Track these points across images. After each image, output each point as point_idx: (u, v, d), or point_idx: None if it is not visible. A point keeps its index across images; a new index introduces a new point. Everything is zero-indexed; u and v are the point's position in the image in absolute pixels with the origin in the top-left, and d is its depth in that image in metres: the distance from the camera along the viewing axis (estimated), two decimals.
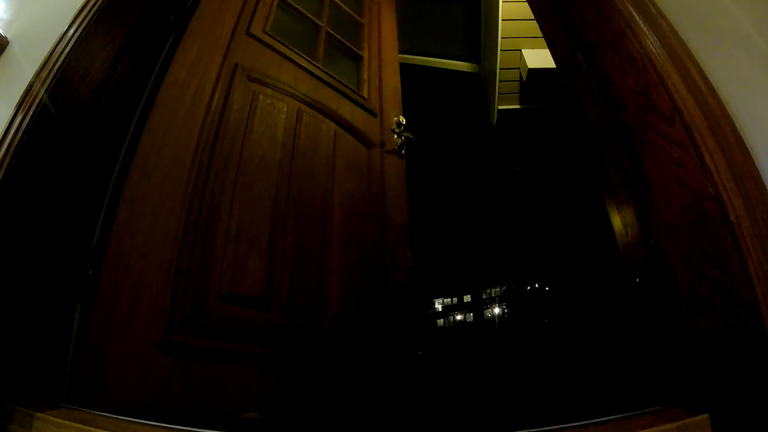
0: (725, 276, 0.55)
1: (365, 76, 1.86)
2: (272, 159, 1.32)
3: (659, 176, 0.66)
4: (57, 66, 0.93)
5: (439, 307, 3.49)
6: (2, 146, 0.84)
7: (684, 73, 0.65)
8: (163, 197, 1.07)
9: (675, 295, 0.62)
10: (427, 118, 2.89)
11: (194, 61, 1.27)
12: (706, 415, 0.55)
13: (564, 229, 2.78)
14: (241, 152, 1.25)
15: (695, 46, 0.68)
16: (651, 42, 0.69)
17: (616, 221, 0.79)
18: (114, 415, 0.71)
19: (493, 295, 3.22)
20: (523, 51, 2.80)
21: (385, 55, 2.01)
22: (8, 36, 1.01)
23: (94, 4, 1.03)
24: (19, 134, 0.85)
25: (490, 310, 3.22)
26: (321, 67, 1.65)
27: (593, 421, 0.61)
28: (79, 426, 0.66)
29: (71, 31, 0.98)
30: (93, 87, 1.02)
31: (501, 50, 2.81)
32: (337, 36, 1.85)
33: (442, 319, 3.46)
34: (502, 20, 2.73)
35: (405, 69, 2.17)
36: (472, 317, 3.30)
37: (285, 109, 1.43)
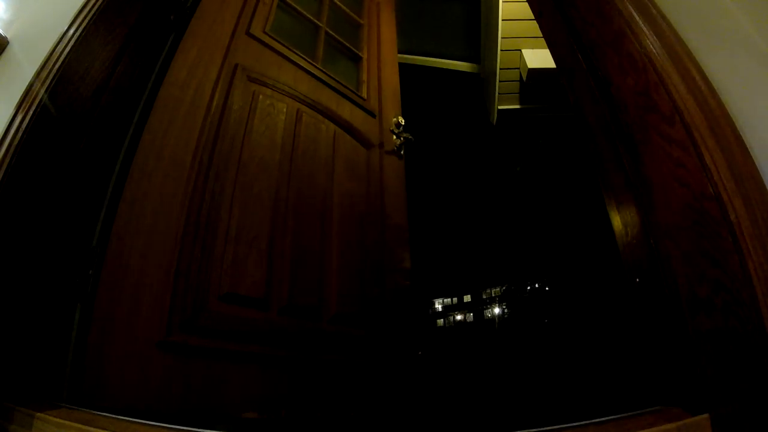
0: (725, 276, 0.55)
1: (364, 76, 1.86)
2: (272, 159, 1.32)
3: (659, 176, 0.66)
4: (57, 66, 0.93)
5: (439, 307, 3.49)
6: (2, 146, 0.84)
7: (684, 73, 0.65)
8: (163, 197, 1.07)
9: (675, 295, 0.62)
10: (427, 119, 2.89)
11: (194, 61, 1.27)
12: (706, 415, 0.55)
13: (564, 229, 2.78)
14: (241, 152, 1.25)
15: (695, 46, 0.68)
16: (651, 42, 0.69)
17: (616, 221, 0.79)
18: (114, 415, 0.71)
19: (493, 295, 3.22)
20: (523, 51, 2.81)
21: (385, 55, 2.01)
22: (8, 36, 1.01)
23: (94, 4, 1.03)
24: (19, 134, 0.85)
25: (490, 310, 3.22)
26: (320, 67, 1.65)
27: (593, 421, 0.61)
28: (79, 426, 0.66)
29: (71, 31, 0.98)
30: (93, 87, 1.02)
31: (501, 50, 2.81)
32: (336, 36, 1.85)
33: (442, 319, 3.46)
34: (502, 20, 2.73)
35: (405, 69, 2.17)
36: (472, 317, 3.30)
37: (285, 110, 1.43)
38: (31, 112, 0.87)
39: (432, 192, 3.18)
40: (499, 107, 3.05)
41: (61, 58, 0.94)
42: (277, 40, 1.53)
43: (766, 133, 0.60)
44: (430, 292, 3.48)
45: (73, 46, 0.96)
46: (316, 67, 1.63)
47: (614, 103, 0.76)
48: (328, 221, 1.40)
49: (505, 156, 3.25)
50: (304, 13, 1.76)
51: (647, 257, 0.69)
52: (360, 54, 1.91)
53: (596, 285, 2.34)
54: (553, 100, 2.94)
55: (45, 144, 0.91)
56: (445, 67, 3.28)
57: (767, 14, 0.66)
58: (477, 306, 3.30)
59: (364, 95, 1.80)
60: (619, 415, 0.61)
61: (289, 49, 1.56)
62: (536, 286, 2.96)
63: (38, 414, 0.69)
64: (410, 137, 1.77)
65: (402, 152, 1.78)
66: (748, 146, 0.60)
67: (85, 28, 0.99)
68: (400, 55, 2.19)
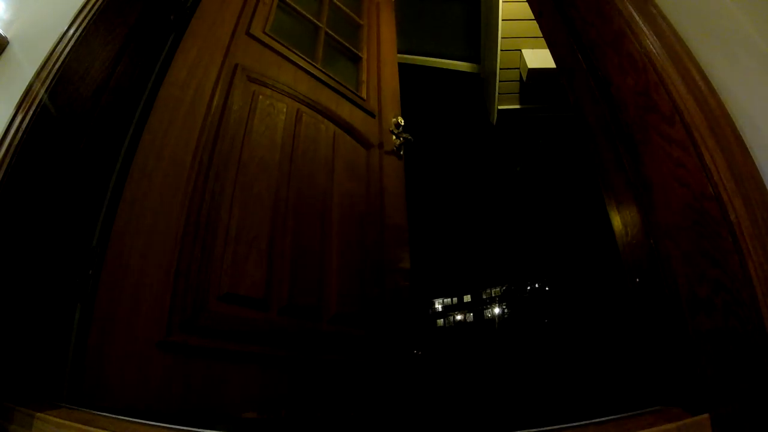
0: (725, 276, 0.55)
1: (364, 77, 1.86)
2: (272, 159, 1.32)
3: (659, 176, 0.66)
4: (57, 66, 0.93)
5: (439, 307, 3.49)
6: (2, 146, 0.84)
7: (684, 73, 0.65)
8: (163, 197, 1.07)
9: (675, 295, 0.62)
10: (427, 118, 2.89)
11: (194, 61, 1.27)
12: (706, 415, 0.55)
13: (564, 230, 2.78)
14: (241, 152, 1.25)
15: (695, 46, 0.68)
16: (651, 42, 0.69)
17: (616, 221, 0.79)
18: (114, 415, 0.71)
19: (493, 295, 3.22)
20: (523, 51, 2.81)
21: (384, 56, 2.01)
22: (8, 36, 1.01)
23: (94, 4, 1.03)
24: (19, 134, 0.85)
25: (490, 310, 3.22)
26: (320, 67, 1.65)
27: (593, 421, 0.61)
28: (79, 426, 0.66)
29: (71, 31, 0.98)
30: (93, 87, 1.02)
31: (501, 50, 2.81)
32: (336, 37, 1.85)
33: (442, 319, 3.46)
34: (502, 20, 2.73)
35: (405, 69, 2.17)
36: (472, 317, 3.30)
37: (284, 110, 1.43)
38: (31, 112, 0.87)
39: (432, 192, 3.18)
40: (499, 107, 3.05)
41: (61, 58, 0.94)
42: (277, 41, 1.53)
43: (766, 133, 0.60)
44: (430, 292, 3.48)
45: (73, 46, 0.96)
46: (315, 67, 1.63)
47: (614, 103, 0.76)
48: (328, 221, 1.40)
49: (505, 156, 3.25)
50: (304, 13, 1.76)
51: (647, 257, 0.69)
52: (359, 54, 1.91)
53: (596, 285, 2.34)
54: (553, 100, 2.94)
55: (45, 144, 0.91)
56: (445, 67, 3.28)
57: (767, 14, 0.66)
58: (477, 306, 3.30)
59: (364, 95, 1.80)
60: (619, 415, 0.61)
61: (289, 50, 1.56)
62: (536, 286, 2.96)
63: (38, 414, 0.69)
64: (410, 137, 1.77)
65: (401, 152, 1.78)
66: (748, 146, 0.60)
67: (85, 28, 0.99)
68: (400, 55, 2.19)
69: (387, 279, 1.50)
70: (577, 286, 2.62)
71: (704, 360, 0.57)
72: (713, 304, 0.56)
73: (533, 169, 3.14)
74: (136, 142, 1.10)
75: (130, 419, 0.70)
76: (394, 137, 1.77)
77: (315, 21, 1.79)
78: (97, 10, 1.03)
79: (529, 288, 3.00)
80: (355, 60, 1.92)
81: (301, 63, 1.58)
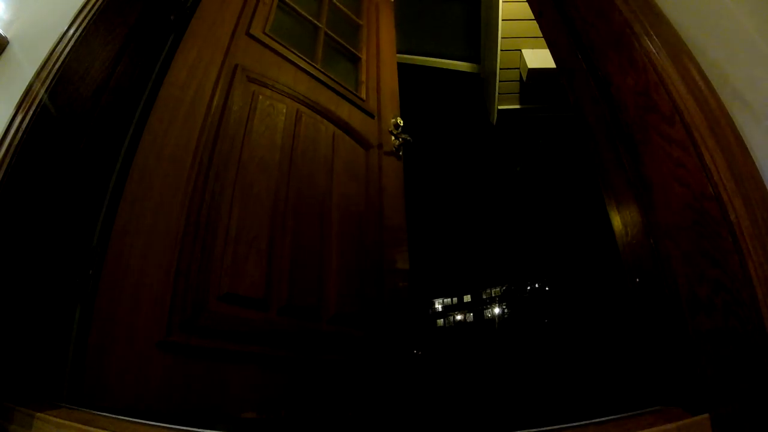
0: (725, 276, 0.55)
1: (363, 77, 1.86)
2: (272, 160, 1.32)
3: (659, 176, 0.66)
4: (57, 66, 0.93)
5: (439, 307, 3.49)
6: (2, 146, 0.84)
7: (684, 73, 0.65)
8: (163, 197, 1.07)
9: (675, 295, 0.62)
10: (427, 118, 2.89)
11: (194, 61, 1.27)
12: (706, 415, 0.55)
13: (564, 229, 2.78)
14: (241, 153, 1.25)
15: (695, 46, 0.68)
16: (651, 42, 0.69)
17: (616, 221, 0.79)
18: (114, 415, 0.71)
19: (493, 295, 3.22)
20: (523, 51, 2.81)
21: (384, 56, 2.01)
22: (8, 36, 1.01)
23: (94, 4, 1.03)
24: (19, 134, 0.85)
25: (490, 310, 3.22)
26: (320, 68, 1.65)
27: (593, 421, 0.61)
28: (79, 426, 0.66)
29: (71, 31, 0.98)
30: (93, 87, 1.02)
31: (501, 50, 2.81)
32: (335, 37, 1.85)
33: (442, 319, 3.46)
34: (502, 20, 2.73)
35: (405, 69, 2.17)
36: (472, 317, 3.30)
37: (284, 110, 1.43)
38: (31, 112, 0.87)
39: (432, 192, 3.18)
40: (499, 107, 3.05)
41: (61, 58, 0.94)
42: (276, 41, 1.53)
43: (766, 134, 0.60)
44: (430, 292, 3.48)
45: (73, 46, 0.96)
46: (315, 67, 1.63)
47: (614, 103, 0.76)
48: (327, 221, 1.40)
49: (505, 156, 3.25)
50: (304, 13, 1.76)
51: (647, 257, 0.69)
52: (359, 55, 1.91)
53: (596, 285, 2.34)
54: (553, 100, 2.94)
55: (45, 144, 0.91)
56: (445, 67, 3.28)
57: (767, 14, 0.66)
58: (477, 306, 3.30)
59: (363, 96, 1.80)
60: (619, 415, 0.61)
61: (289, 50, 1.56)
62: (536, 286, 2.96)
63: (38, 414, 0.69)
64: (409, 138, 1.77)
65: (400, 153, 1.78)
66: (748, 146, 0.60)
67: (85, 28, 0.99)
68: (399, 55, 2.19)
69: (386, 279, 1.50)
70: (577, 286, 2.62)
71: (704, 360, 0.57)
72: (713, 304, 0.56)
73: (533, 169, 3.14)
74: (136, 142, 1.10)
75: (130, 419, 0.70)
76: (393, 138, 1.77)
77: (315, 21, 1.79)
78: (97, 10, 1.03)
79: (529, 288, 3.00)
80: (355, 60, 1.92)
81: (301, 63, 1.58)
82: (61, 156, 0.95)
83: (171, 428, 0.69)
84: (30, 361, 0.83)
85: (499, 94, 3.00)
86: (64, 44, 0.96)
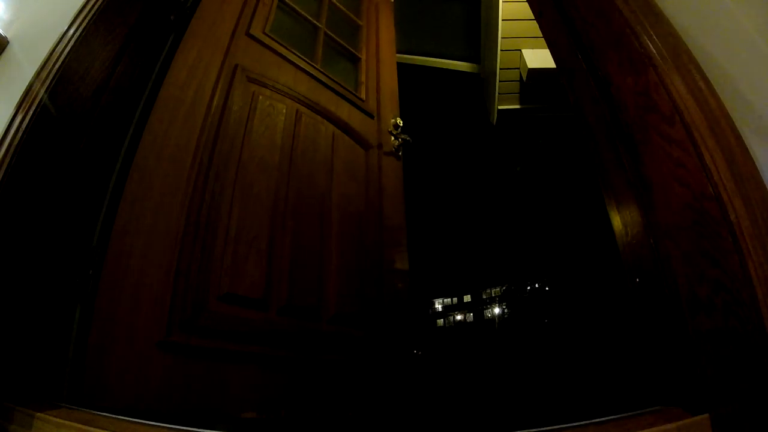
0: (725, 276, 0.55)
1: (363, 77, 1.86)
2: (271, 160, 1.32)
3: (659, 176, 0.66)
4: (57, 66, 0.93)
5: (439, 307, 3.49)
6: (2, 146, 0.84)
7: (684, 73, 0.65)
8: (163, 197, 1.07)
9: (675, 295, 0.62)
10: (427, 118, 2.89)
11: (194, 61, 1.27)
12: (706, 415, 0.55)
13: (564, 229, 2.78)
14: (241, 153, 1.25)
15: (695, 46, 0.68)
16: (651, 42, 0.69)
17: (616, 221, 0.79)
18: (114, 415, 0.71)
19: (493, 295, 3.22)
20: (523, 51, 2.81)
21: (383, 56, 2.01)
22: (8, 36, 1.01)
23: (94, 4, 1.03)
24: (19, 134, 0.85)
25: (490, 310, 3.22)
26: (320, 68, 1.65)
27: (593, 421, 0.61)
28: (79, 426, 0.66)
29: (71, 31, 0.98)
30: (93, 87, 1.02)
31: (501, 50, 2.81)
32: (335, 37, 1.85)
33: (442, 319, 3.46)
34: (502, 20, 2.73)
35: (405, 69, 2.17)
36: (472, 317, 3.30)
37: (284, 110, 1.43)
38: (31, 112, 0.87)
39: (432, 192, 3.18)
40: (499, 107, 3.05)
41: (61, 58, 0.94)
42: (276, 41, 1.53)
43: (766, 134, 0.60)
44: (430, 292, 3.48)
45: (73, 46, 0.96)
46: (315, 68, 1.63)
47: (614, 103, 0.76)
48: (327, 221, 1.40)
49: (505, 156, 3.25)
50: (304, 14, 1.76)
51: (647, 257, 0.69)
52: (359, 55, 1.91)
53: (596, 285, 2.34)
54: (553, 100, 2.94)
55: (45, 144, 0.91)
56: (445, 67, 3.28)
57: (767, 14, 0.66)
58: (477, 306, 3.30)
59: (363, 96, 1.80)
60: (619, 415, 0.61)
61: (289, 50, 1.56)
62: (536, 286, 2.96)
63: (38, 414, 0.69)
64: (408, 138, 1.77)
65: (400, 153, 1.78)
66: (748, 146, 0.60)
67: (85, 28, 0.99)
68: (399, 55, 2.19)
69: (386, 279, 1.50)
70: (577, 286, 2.62)
71: (704, 360, 0.57)
72: (713, 304, 0.56)
73: (533, 169, 3.14)
74: (136, 142, 1.10)
75: (130, 419, 0.70)
76: (392, 138, 1.77)
77: (314, 22, 1.79)
78: (97, 10, 1.03)
79: (529, 288, 3.00)
80: (354, 61, 1.92)
81: (301, 64, 1.58)
82: (61, 156, 0.95)
83: (171, 428, 0.69)
84: (30, 361, 0.83)
85: (499, 94, 3.00)
86: (64, 44, 0.96)
